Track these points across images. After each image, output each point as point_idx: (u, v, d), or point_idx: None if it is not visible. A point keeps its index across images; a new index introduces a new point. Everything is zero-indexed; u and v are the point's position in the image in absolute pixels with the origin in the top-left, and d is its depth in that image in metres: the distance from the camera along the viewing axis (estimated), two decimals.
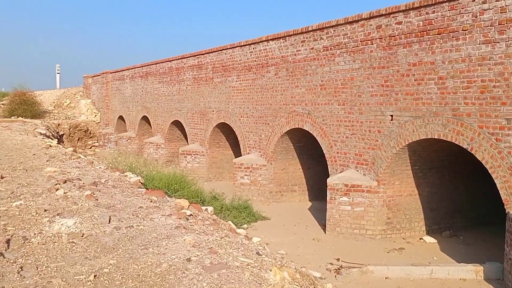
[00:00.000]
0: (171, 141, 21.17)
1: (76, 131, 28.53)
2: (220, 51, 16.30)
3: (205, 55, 17.36)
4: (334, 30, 10.98)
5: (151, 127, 23.83)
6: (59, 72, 41.41)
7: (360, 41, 10.25)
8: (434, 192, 10.46)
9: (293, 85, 12.51)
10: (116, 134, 27.52)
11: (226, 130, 17.13)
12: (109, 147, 27.84)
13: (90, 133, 29.17)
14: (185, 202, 6.65)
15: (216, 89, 16.63)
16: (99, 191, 7.11)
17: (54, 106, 32.64)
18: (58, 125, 27.64)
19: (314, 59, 11.71)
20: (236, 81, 15.26)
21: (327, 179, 10.30)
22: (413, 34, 9.01)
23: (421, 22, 8.84)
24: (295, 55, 12.43)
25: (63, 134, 27.43)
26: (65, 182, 7.81)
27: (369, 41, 10.03)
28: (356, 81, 10.39)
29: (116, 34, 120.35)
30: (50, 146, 14.82)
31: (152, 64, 22.32)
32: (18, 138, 16.12)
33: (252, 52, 14.38)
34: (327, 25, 11.15)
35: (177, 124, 20.41)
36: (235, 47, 15.27)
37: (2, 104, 31.15)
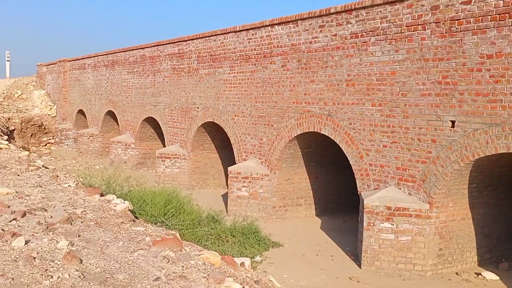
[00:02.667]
0: (143, 140, 18.51)
1: (29, 126, 25.20)
2: (207, 38, 13.86)
3: (188, 42, 14.85)
4: (367, 13, 8.83)
5: (117, 123, 21.02)
6: (9, 59, 37.46)
7: (406, 26, 8.15)
8: (488, 214, 8.55)
9: (307, 79, 10.30)
10: (75, 130, 24.46)
11: (212, 130, 14.74)
12: (67, 145, 24.76)
13: (45, 128, 25.88)
14: (214, 257, 4.32)
15: (202, 82, 14.19)
16: (79, 236, 4.67)
17: (4, 98, 29.00)
18: (8, 119, 24.26)
19: (337, 48, 9.54)
20: (229, 73, 12.88)
21: (365, 200, 8.16)
22: (489, 16, 6.98)
23: (502, 1, 6.83)
24: (310, 43, 10.21)
25: (14, 130, 24.08)
26: (24, 215, 5.34)
27: (419, 26, 7.94)
28: (399, 76, 8.29)
29: (77, 18, 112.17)
30: (0, 148, 12.00)
31: (120, 52, 19.53)
32: None
33: (251, 39, 12.05)
34: (357, 6, 8.99)
35: (151, 121, 17.78)
36: (228, 32, 12.88)
37: None
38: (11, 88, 30.69)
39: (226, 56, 12.99)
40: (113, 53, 20.18)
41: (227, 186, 15.59)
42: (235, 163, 14.51)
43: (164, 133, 16.30)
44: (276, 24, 11.13)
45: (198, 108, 14.41)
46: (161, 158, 15.20)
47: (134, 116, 18.38)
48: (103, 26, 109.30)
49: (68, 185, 7.42)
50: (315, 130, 10.11)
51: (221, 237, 8.51)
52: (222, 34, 13.14)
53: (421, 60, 7.92)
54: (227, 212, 11.74)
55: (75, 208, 5.93)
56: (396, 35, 8.32)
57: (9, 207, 5.74)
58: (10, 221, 5.02)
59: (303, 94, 10.41)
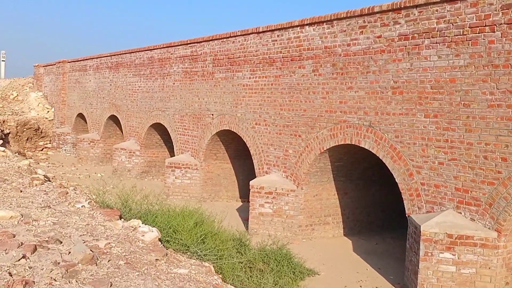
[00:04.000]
0: (148, 147, 17.39)
1: (24, 129, 23.97)
2: (225, 39, 12.81)
3: (202, 43, 13.79)
4: (420, 12, 7.82)
5: (120, 129, 19.89)
6: (4, 59, 36.16)
7: (470, 28, 7.15)
8: None
9: (344, 86, 9.26)
10: (74, 134, 23.28)
11: (227, 138, 13.67)
12: (65, 150, 23.55)
13: (41, 132, 24.67)
14: None
15: (217, 87, 13.12)
16: (111, 285, 3.57)
17: None
18: (3, 122, 23.06)
19: (382, 51, 8.51)
20: (250, 77, 11.83)
21: (422, 226, 7.10)
22: None
23: None
24: (348, 45, 9.19)
25: (9, 133, 22.86)
26: (35, 250, 4.28)
27: (486, 28, 6.95)
28: (460, 84, 7.28)
29: (75, 18, 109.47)
30: None
31: (126, 53, 18.42)
32: None
33: (276, 40, 11.01)
34: (408, 5, 7.98)
35: (158, 127, 16.68)
36: (249, 34, 11.84)
37: None
38: (6, 89, 29.44)
39: (247, 59, 11.94)
40: (117, 55, 19.07)
41: (240, 198, 14.56)
42: (253, 175, 13.47)
43: (173, 140, 15.20)
44: (307, 24, 10.10)
45: (212, 115, 13.32)
46: (171, 168, 14.08)
47: (140, 121, 17.26)
48: (103, 27, 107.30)
49: (82, 206, 6.31)
50: (352, 143, 9.06)
51: (253, 264, 7.42)
52: (243, 35, 12.10)
53: (488, 66, 6.91)
54: (247, 230, 10.65)
55: (96, 239, 4.83)
56: (456, 37, 7.31)
57: (14, 236, 4.64)
58: (19, 259, 3.92)
59: (338, 102, 9.37)
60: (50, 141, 24.35)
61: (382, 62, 8.49)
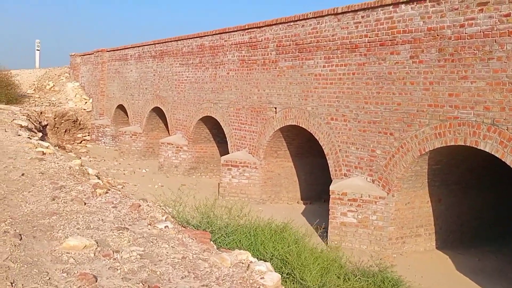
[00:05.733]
0: (197, 142, 16.13)
1: (62, 121, 23.09)
2: (292, 23, 11.34)
3: (263, 28, 12.35)
4: None
5: (163, 121, 18.73)
6: (39, 48, 35.52)
7: None
8: None
9: (456, 75, 7.70)
10: (114, 126, 22.28)
11: (290, 134, 12.27)
12: (104, 142, 22.59)
13: (79, 124, 23.77)
14: None
15: (282, 77, 11.69)
16: None
17: (34, 89, 27.05)
18: (41, 113, 22.15)
19: (510, 33, 6.92)
20: (324, 66, 10.36)
21: None
22: None
23: None
24: (461, 26, 7.61)
25: (47, 125, 21.97)
26: None
27: None
28: None
29: (112, 8, 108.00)
30: (44, 153, 9.73)
31: (172, 41, 17.15)
32: None
33: (360, 23, 9.49)
34: None
35: (207, 121, 15.39)
36: (325, 16, 10.35)
37: None
38: (42, 79, 28.72)
39: (320, 45, 10.47)
40: (162, 43, 17.82)
41: (302, 200, 13.16)
42: (315, 174, 12.20)
43: (227, 136, 13.87)
44: (403, 2, 8.55)
45: (275, 108, 11.92)
46: (227, 166, 12.76)
47: (188, 114, 15.99)
48: (141, 18, 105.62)
49: (165, 226, 5.00)
50: (467, 144, 7.52)
51: None
52: (315, 17, 10.62)
53: None
54: (324, 241, 9.26)
55: (205, 285, 3.50)
56: None
57: (96, 280, 3.36)
58: None
59: (447, 95, 7.82)
60: (89, 133, 23.43)
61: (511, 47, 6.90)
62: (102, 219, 5.14)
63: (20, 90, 24.75)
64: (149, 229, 4.89)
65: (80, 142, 23.11)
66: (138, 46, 19.91)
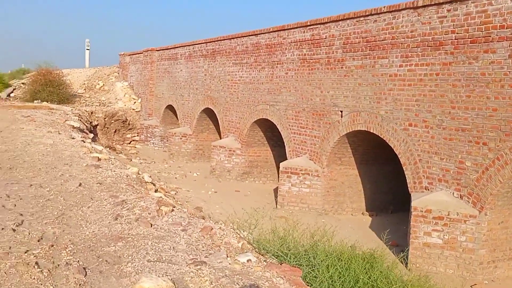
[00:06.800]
0: (250, 146, 15.37)
1: (112, 121, 22.91)
2: (362, 18, 10.35)
3: (328, 24, 11.41)
4: None
5: (214, 123, 18.11)
6: (88, 48, 35.91)
7: None
8: None
9: None
10: (162, 127, 21.89)
11: (356, 140, 11.29)
12: (153, 143, 22.25)
13: (129, 124, 23.55)
14: None
15: (349, 77, 10.72)
16: None
17: (85, 89, 27.13)
18: (91, 113, 22.04)
19: None
20: (401, 65, 9.32)
21: None
22: None
23: None
24: None
25: (97, 125, 21.85)
26: None
27: None
28: None
29: (160, 7, 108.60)
30: (99, 159, 9.20)
31: (225, 40, 16.45)
32: (47, 140, 10.46)
33: (445, 17, 8.40)
34: None
35: (262, 123, 14.59)
36: (402, 10, 9.30)
37: (22, 83, 25.73)
38: (92, 78, 28.84)
39: (396, 42, 9.43)
40: (214, 41, 17.17)
41: (367, 211, 12.14)
42: (380, 184, 11.22)
43: (285, 140, 13.01)
44: None
45: (341, 111, 10.96)
46: (286, 174, 11.91)
47: (241, 116, 15.25)
48: (191, 17, 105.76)
49: (247, 260, 4.20)
50: None
51: None
52: (390, 12, 9.59)
53: None
54: (404, 263, 8.23)
55: None
56: None
57: None
58: None
59: None
60: (138, 133, 23.16)
61: None
62: (174, 247, 4.41)
63: (71, 89, 24.82)
64: (229, 263, 4.11)
65: (130, 143, 22.88)
66: (189, 45, 19.36)
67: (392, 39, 9.53)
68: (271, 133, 15.16)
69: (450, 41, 8.31)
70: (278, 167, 15.24)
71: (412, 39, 9.06)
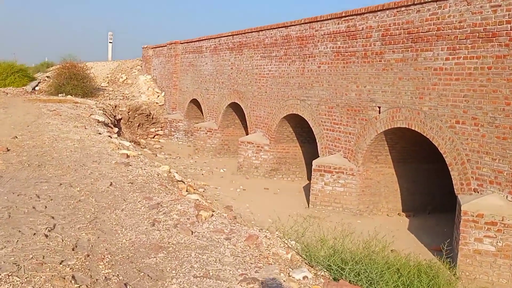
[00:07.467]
0: (278, 142, 14.90)
1: (136, 115, 22.70)
2: (403, 8, 9.74)
3: (365, 15, 10.83)
4: None
5: (240, 118, 17.69)
6: (111, 41, 35.73)
7: None
8: None
9: None
10: (186, 121, 21.57)
11: (394, 137, 10.73)
12: (177, 138, 21.95)
13: (152, 118, 23.30)
14: None
15: (388, 71, 10.15)
16: None
17: (108, 82, 26.96)
18: (115, 107, 21.87)
19: None
20: (448, 58, 8.71)
21: None
22: None
23: None
24: None
25: (121, 119, 21.65)
26: None
27: None
28: None
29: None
30: (128, 156, 8.86)
31: (252, 32, 15.97)
32: (74, 136, 10.16)
33: (499, 6, 7.76)
34: None
35: (292, 119, 14.10)
36: None
37: (47, 77, 25.67)
38: (115, 72, 28.65)
39: (442, 34, 8.82)
40: (241, 34, 16.69)
41: (404, 212, 11.57)
42: (418, 183, 10.66)
43: (317, 137, 12.49)
44: None
45: (379, 107, 10.40)
46: (319, 172, 11.41)
47: (270, 111, 14.77)
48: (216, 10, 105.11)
49: (303, 276, 3.74)
50: None
51: None
52: (435, 1, 8.97)
53: None
54: (451, 270, 7.68)
55: None
56: None
57: None
58: None
59: None
60: (162, 127, 22.89)
61: None
62: (219, 260, 3.97)
63: (95, 83, 24.65)
64: (283, 280, 3.66)
65: (153, 137, 22.62)
66: (214, 38, 18.93)
67: (438, 30, 8.91)
68: (300, 128, 14.66)
69: (505, 32, 7.67)
70: (307, 164, 14.78)
71: (461, 30, 8.44)
